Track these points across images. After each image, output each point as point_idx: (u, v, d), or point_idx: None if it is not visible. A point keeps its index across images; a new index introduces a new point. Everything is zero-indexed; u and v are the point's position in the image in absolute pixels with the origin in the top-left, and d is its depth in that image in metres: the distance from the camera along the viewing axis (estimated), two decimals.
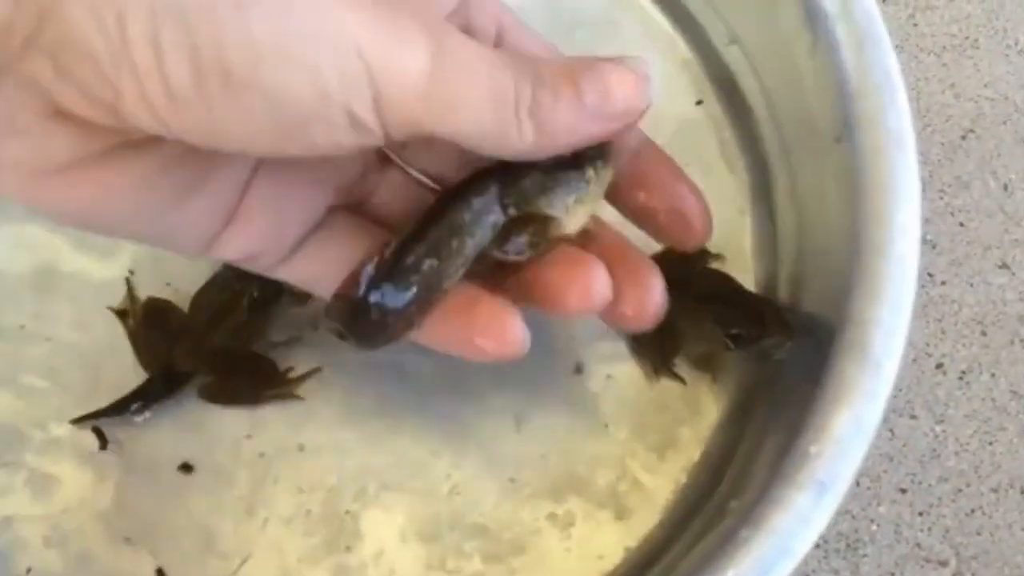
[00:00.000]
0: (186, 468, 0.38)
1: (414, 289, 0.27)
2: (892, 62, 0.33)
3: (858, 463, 0.29)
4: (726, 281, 0.38)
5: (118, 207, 0.24)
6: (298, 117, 0.22)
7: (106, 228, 0.25)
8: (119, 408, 0.37)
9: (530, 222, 0.27)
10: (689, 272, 0.39)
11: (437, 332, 0.28)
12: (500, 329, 0.28)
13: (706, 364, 0.39)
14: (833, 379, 0.30)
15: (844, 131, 0.34)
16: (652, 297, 0.29)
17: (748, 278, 0.40)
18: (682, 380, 0.38)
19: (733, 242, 0.41)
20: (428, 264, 0.27)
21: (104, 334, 0.39)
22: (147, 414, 0.38)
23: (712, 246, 0.40)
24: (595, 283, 0.27)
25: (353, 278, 0.27)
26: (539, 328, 0.39)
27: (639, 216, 0.31)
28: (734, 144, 0.42)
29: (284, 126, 0.22)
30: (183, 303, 0.39)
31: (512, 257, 0.28)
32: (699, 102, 0.42)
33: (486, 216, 0.27)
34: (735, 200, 0.41)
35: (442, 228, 0.27)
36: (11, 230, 0.40)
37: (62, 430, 0.38)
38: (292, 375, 0.39)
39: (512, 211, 0.27)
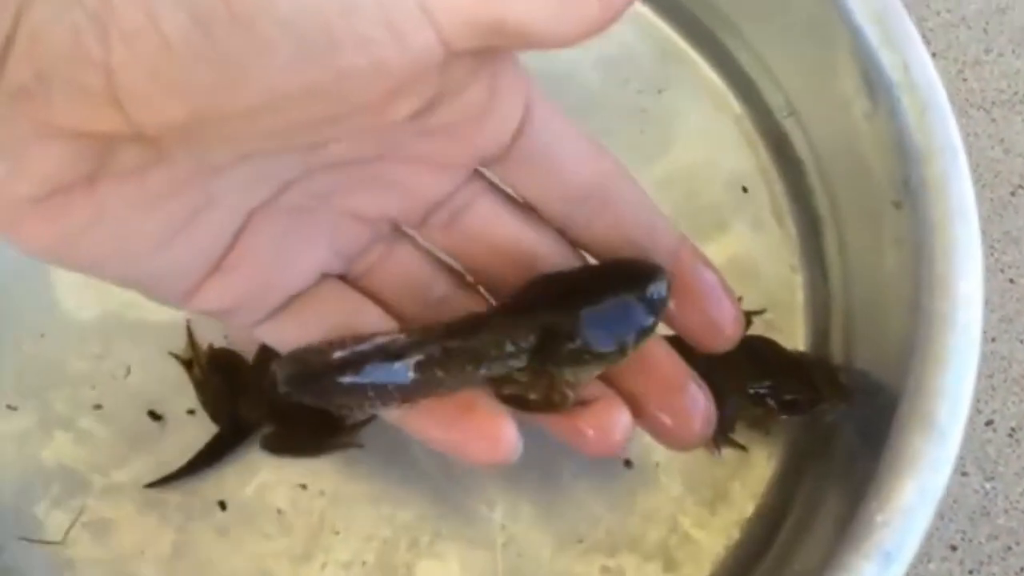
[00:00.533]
0: (244, 513, 0.38)
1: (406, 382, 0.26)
2: (954, 129, 0.34)
3: (923, 532, 0.29)
4: (772, 348, 0.39)
5: (100, 242, 0.22)
6: (324, 32, 0.19)
7: (84, 265, 0.23)
8: (192, 469, 0.38)
9: (546, 376, 0.26)
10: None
11: (428, 428, 0.28)
12: (494, 436, 0.27)
13: (759, 423, 0.39)
14: (898, 448, 0.30)
15: (905, 196, 0.34)
16: (692, 414, 0.28)
17: (798, 335, 0.41)
18: (743, 448, 0.39)
19: (783, 298, 0.41)
20: (435, 372, 0.26)
21: (165, 379, 0.40)
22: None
23: (760, 302, 0.41)
24: (615, 427, 0.27)
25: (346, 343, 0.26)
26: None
27: (670, 322, 0.29)
28: (785, 200, 0.43)
29: (310, 49, 0.19)
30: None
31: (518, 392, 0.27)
32: (744, 189, 0.43)
33: (512, 359, 0.26)
34: (785, 256, 0.42)
35: (465, 351, 0.26)
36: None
37: (122, 475, 0.39)
38: (350, 423, 0.39)
39: (537, 365, 0.26)
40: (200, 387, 0.39)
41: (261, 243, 0.25)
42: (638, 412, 0.28)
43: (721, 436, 0.39)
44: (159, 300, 0.26)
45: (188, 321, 0.40)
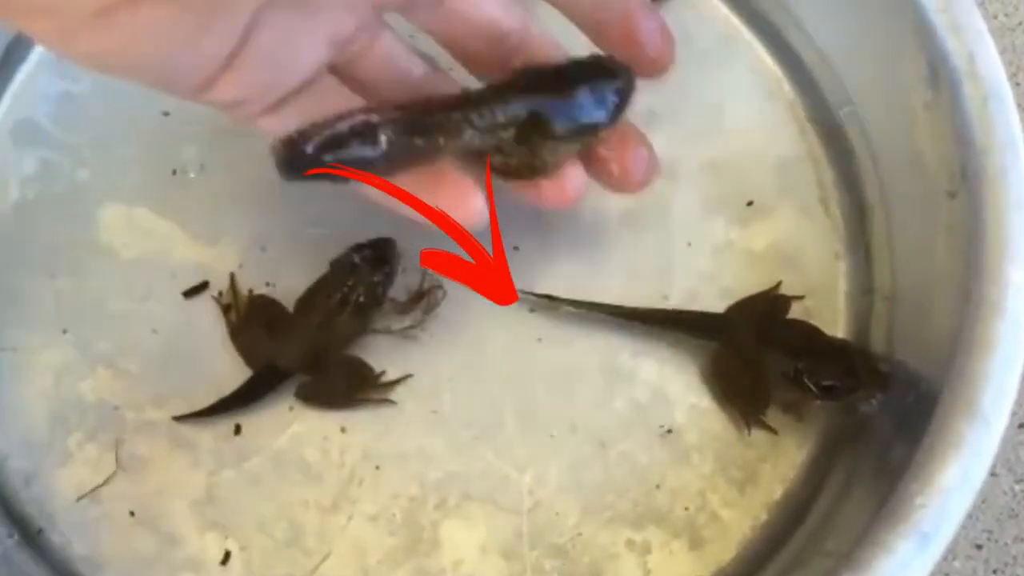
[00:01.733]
0: (276, 462, 0.38)
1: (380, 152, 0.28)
2: (1015, 121, 0.34)
3: (961, 517, 0.29)
4: (813, 332, 0.39)
5: (143, 48, 0.26)
6: None
7: (128, 69, 0.27)
8: (222, 408, 0.38)
9: (530, 147, 0.31)
10: (775, 322, 0.39)
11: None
12: (465, 201, 0.31)
13: (792, 408, 0.39)
14: (940, 433, 0.30)
15: (961, 186, 0.34)
16: (637, 160, 0.33)
17: (839, 322, 0.40)
18: (773, 431, 0.39)
19: (826, 285, 0.41)
20: (420, 140, 0.28)
21: (205, 323, 0.40)
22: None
23: (802, 289, 0.41)
24: (570, 183, 0.32)
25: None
26: (626, 355, 0.40)
27: (588, 30, 0.33)
28: (833, 188, 0.42)
29: None
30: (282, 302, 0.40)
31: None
32: (791, 174, 0.43)
33: (502, 131, 0.30)
34: (831, 244, 0.42)
35: (449, 119, 0.29)
36: (122, 212, 0.42)
37: (158, 415, 0.39)
38: (384, 380, 0.39)
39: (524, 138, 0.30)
40: (235, 333, 0.40)
41: (268, 38, 0.28)
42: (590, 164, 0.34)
43: (754, 417, 0.39)
44: (179, 94, 0.29)
45: (232, 272, 0.40)
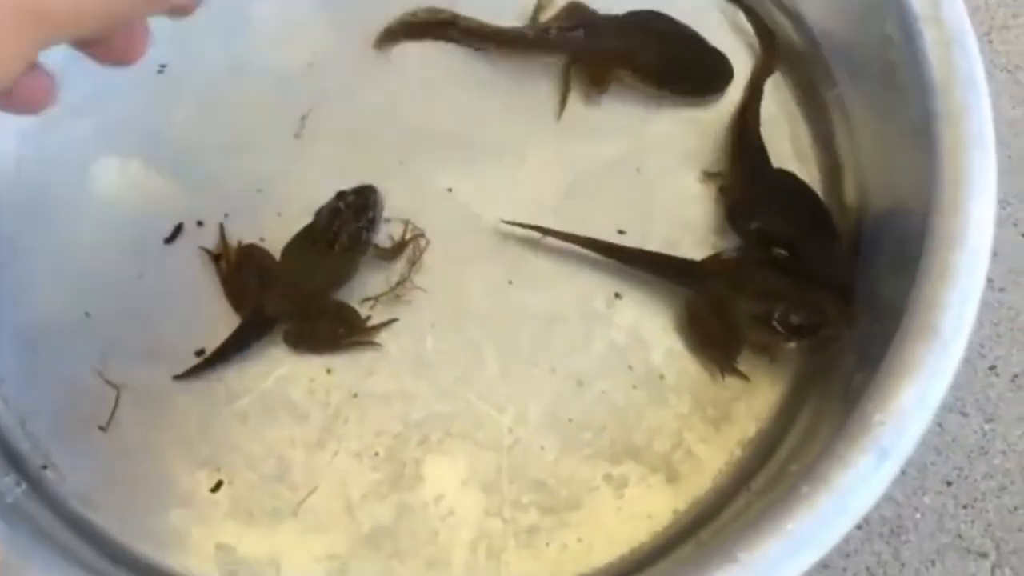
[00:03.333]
0: (263, 402, 0.40)
1: None
2: (977, 63, 0.35)
3: (918, 436, 0.30)
4: (781, 277, 0.40)
5: None
6: None
7: None
8: (217, 358, 0.39)
9: None
10: (746, 268, 0.41)
11: None
12: None
13: (765, 349, 0.40)
14: (901, 355, 0.31)
15: (924, 126, 0.35)
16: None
17: None
18: (746, 378, 0.40)
19: None
20: None
21: (192, 271, 0.41)
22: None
23: None
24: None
25: None
26: (603, 299, 0.41)
27: None
28: (808, 142, 0.43)
29: None
30: (272, 251, 0.41)
31: None
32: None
33: None
34: None
35: None
36: (117, 166, 0.43)
37: (151, 358, 0.40)
38: (370, 324, 0.40)
39: None
40: (226, 281, 0.41)
41: None
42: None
43: (727, 364, 0.40)
44: None
45: (220, 223, 0.42)
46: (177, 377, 0.39)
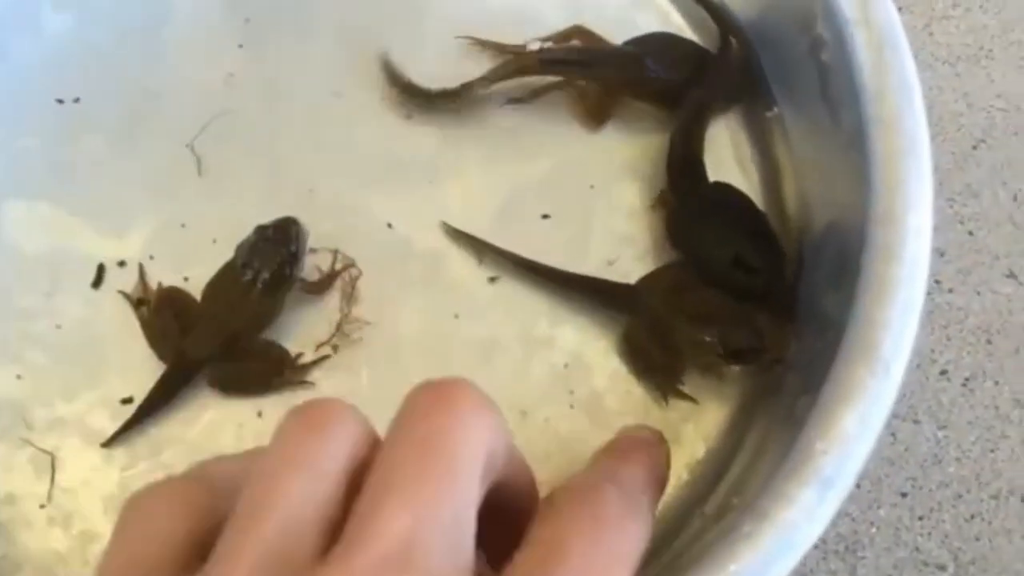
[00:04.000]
0: (191, 452, 0.38)
1: None
2: (910, 67, 0.34)
3: (863, 462, 0.29)
4: (719, 299, 0.38)
5: None
6: None
7: None
8: (147, 413, 0.37)
9: None
10: (683, 292, 0.39)
11: None
12: None
13: (711, 369, 0.39)
14: (841, 378, 0.30)
15: (859, 135, 0.34)
16: None
17: None
18: (693, 400, 0.38)
19: None
20: None
21: (112, 315, 0.39)
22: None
23: None
24: None
25: None
26: (544, 323, 0.39)
27: None
28: (747, 147, 0.42)
29: None
30: (196, 291, 0.39)
31: None
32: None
33: None
34: None
35: None
36: (25, 206, 0.41)
37: (67, 409, 0.38)
38: (301, 362, 0.39)
39: None
40: (147, 326, 0.39)
41: None
42: None
43: (670, 388, 0.38)
44: None
45: (150, 258, 0.40)
46: (105, 444, 0.37)
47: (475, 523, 0.22)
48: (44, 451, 0.37)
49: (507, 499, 0.24)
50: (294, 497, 0.22)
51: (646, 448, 0.29)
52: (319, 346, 0.39)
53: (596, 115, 0.42)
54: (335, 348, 0.39)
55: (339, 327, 0.39)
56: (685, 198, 0.40)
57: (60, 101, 0.42)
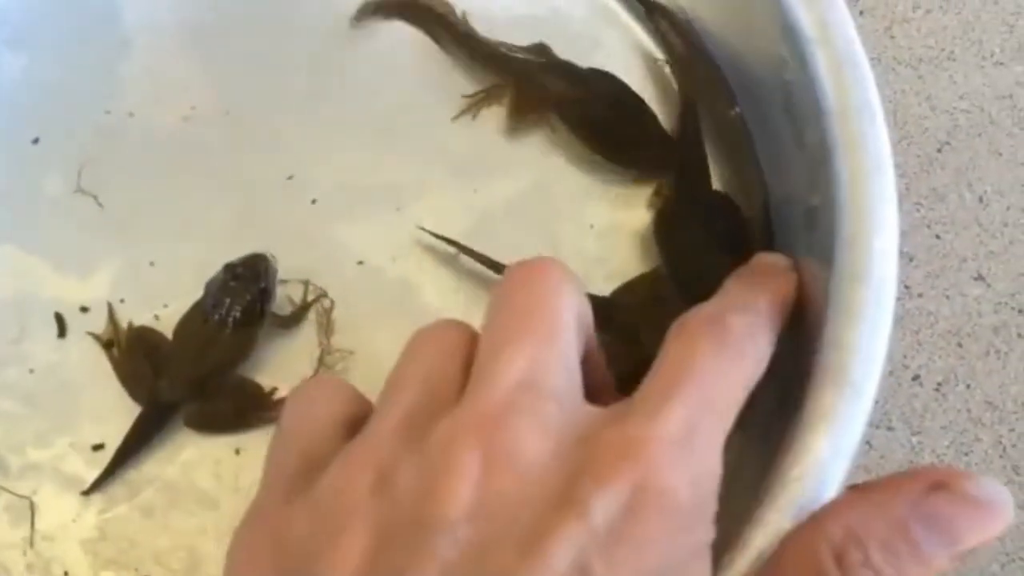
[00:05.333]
0: (168, 492, 0.38)
1: None
2: (871, 86, 0.34)
3: (838, 485, 0.30)
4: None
5: None
6: None
7: None
8: (121, 459, 0.37)
9: None
10: (659, 304, 0.39)
11: None
12: None
13: None
14: (812, 404, 0.30)
15: (822, 156, 0.34)
16: None
17: None
18: None
19: None
20: None
21: (83, 358, 0.39)
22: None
23: None
24: None
25: None
26: None
27: None
28: (714, 164, 0.42)
29: None
30: (167, 329, 0.39)
31: None
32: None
33: None
34: None
35: None
36: None
37: (40, 455, 0.38)
38: (277, 396, 0.39)
39: None
40: (119, 367, 0.39)
41: None
42: None
43: None
44: None
45: (120, 301, 0.39)
46: (86, 492, 0.37)
47: (580, 371, 0.26)
48: (22, 496, 0.37)
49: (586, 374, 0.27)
50: (433, 355, 0.27)
51: (774, 276, 0.32)
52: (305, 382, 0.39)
53: (521, 113, 0.42)
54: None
55: (321, 360, 0.39)
56: (686, 199, 0.40)
57: (22, 147, 0.41)
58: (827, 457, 0.29)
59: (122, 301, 0.40)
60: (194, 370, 0.38)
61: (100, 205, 0.41)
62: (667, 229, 0.40)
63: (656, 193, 0.41)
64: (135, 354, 0.38)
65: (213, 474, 0.38)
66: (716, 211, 0.40)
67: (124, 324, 0.39)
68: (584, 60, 0.43)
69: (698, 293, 0.38)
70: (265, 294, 0.38)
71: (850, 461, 0.30)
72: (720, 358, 0.27)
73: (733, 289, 0.31)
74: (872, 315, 0.31)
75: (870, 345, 0.31)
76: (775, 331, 0.29)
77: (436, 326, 0.29)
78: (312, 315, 0.40)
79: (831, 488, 0.29)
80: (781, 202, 0.39)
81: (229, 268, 0.38)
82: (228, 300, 0.37)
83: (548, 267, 0.28)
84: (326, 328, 0.40)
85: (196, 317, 0.38)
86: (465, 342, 0.27)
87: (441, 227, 0.41)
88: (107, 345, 0.39)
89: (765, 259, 0.33)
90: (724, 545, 0.29)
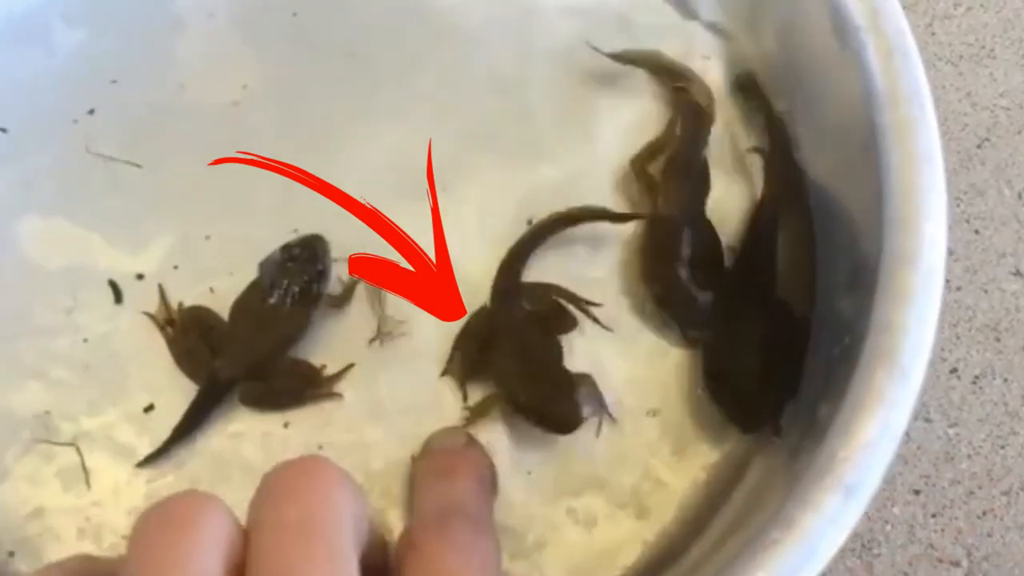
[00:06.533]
0: (216, 463, 0.38)
1: None
2: (920, 74, 0.34)
3: (885, 468, 0.30)
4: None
5: None
6: None
7: None
8: (179, 435, 0.38)
9: None
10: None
11: None
12: None
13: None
14: (861, 386, 0.31)
15: (872, 140, 0.34)
16: None
17: None
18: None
19: None
20: None
21: (134, 329, 0.39)
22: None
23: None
24: None
25: None
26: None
27: None
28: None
29: None
30: (219, 303, 0.39)
31: None
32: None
33: None
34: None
35: None
36: (40, 224, 0.41)
37: (93, 423, 0.38)
38: (326, 373, 0.39)
39: None
40: (175, 346, 0.39)
41: None
42: None
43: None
44: None
45: (159, 284, 0.40)
46: (140, 464, 0.38)
47: None
48: (80, 458, 0.38)
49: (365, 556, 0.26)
50: (197, 554, 0.22)
51: (464, 459, 0.34)
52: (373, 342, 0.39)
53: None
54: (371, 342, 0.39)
55: (379, 329, 0.40)
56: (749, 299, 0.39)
57: (75, 120, 0.42)
58: (875, 439, 0.30)
59: (176, 267, 0.40)
60: (252, 350, 0.38)
61: (148, 176, 0.42)
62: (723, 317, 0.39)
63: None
64: (190, 334, 0.39)
65: (260, 447, 0.38)
66: (775, 315, 0.38)
67: (177, 296, 0.40)
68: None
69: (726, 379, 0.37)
70: (322, 275, 0.38)
71: (897, 443, 0.30)
72: (463, 566, 0.29)
73: (436, 488, 0.33)
74: (921, 300, 0.31)
75: (919, 330, 0.31)
76: (491, 509, 0.34)
77: (190, 507, 0.24)
78: (360, 291, 0.40)
79: (878, 470, 0.30)
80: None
81: (286, 249, 0.38)
82: (286, 281, 0.38)
83: (318, 471, 0.25)
84: (379, 300, 0.40)
85: (254, 297, 0.38)
86: (224, 544, 0.24)
87: (486, 209, 0.42)
88: (162, 325, 0.39)
89: (446, 441, 0.36)
90: (772, 523, 0.29)
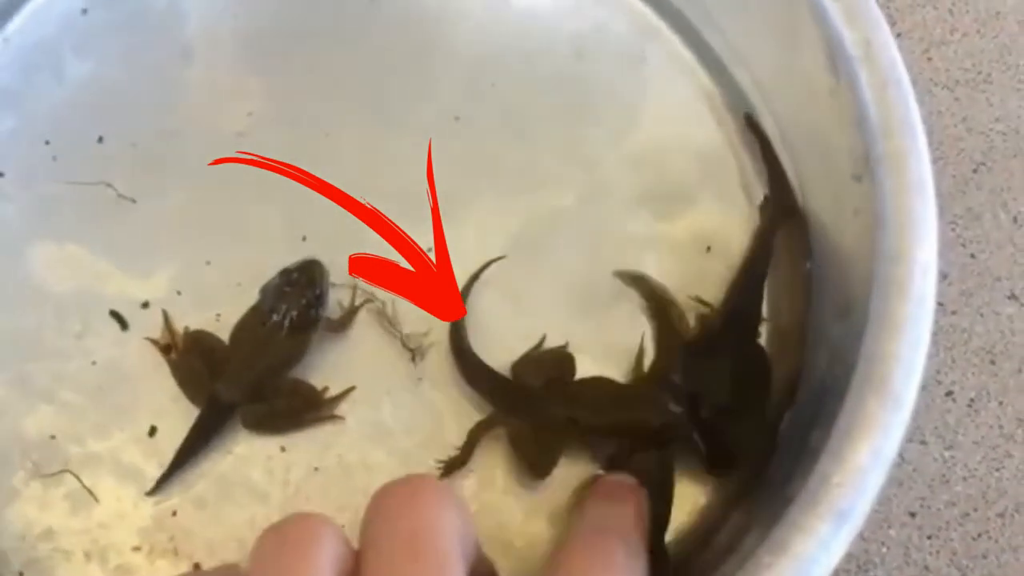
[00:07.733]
0: (221, 485, 0.39)
1: None
2: (913, 106, 0.35)
3: (876, 493, 0.30)
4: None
5: None
6: None
7: None
8: (184, 459, 0.38)
9: None
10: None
11: None
12: None
13: None
14: (853, 411, 0.31)
15: (864, 170, 0.35)
16: None
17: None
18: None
19: None
20: None
21: (142, 353, 0.40)
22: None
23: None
24: None
25: None
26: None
27: None
28: (753, 175, 0.43)
29: None
30: (226, 328, 0.40)
31: None
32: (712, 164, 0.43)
33: None
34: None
35: None
36: (51, 248, 0.42)
37: (100, 446, 0.39)
38: (328, 396, 0.40)
39: None
40: (177, 370, 0.40)
41: None
42: None
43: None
44: None
45: (164, 310, 0.41)
46: (150, 492, 0.38)
47: None
48: (80, 482, 0.39)
49: None
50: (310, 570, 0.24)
51: (629, 491, 0.34)
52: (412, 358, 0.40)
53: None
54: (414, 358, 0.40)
55: (405, 346, 0.40)
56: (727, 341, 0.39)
57: (84, 148, 0.43)
58: (867, 465, 0.30)
59: (179, 293, 0.41)
60: (251, 373, 0.39)
61: (156, 203, 0.42)
62: (695, 359, 0.39)
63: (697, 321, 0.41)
64: (192, 357, 0.40)
65: (264, 469, 0.39)
66: (749, 365, 0.39)
67: (183, 322, 0.41)
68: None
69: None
70: (319, 299, 0.39)
71: (888, 468, 0.31)
72: None
73: (596, 510, 0.34)
74: (913, 328, 0.32)
75: (911, 357, 0.32)
76: (645, 540, 0.33)
77: (305, 528, 0.26)
78: (368, 316, 0.41)
79: (870, 495, 0.30)
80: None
81: (285, 273, 0.39)
82: (284, 305, 0.38)
83: (428, 489, 0.27)
84: (392, 322, 0.41)
85: (253, 321, 0.39)
86: (336, 565, 0.25)
87: (486, 235, 0.42)
88: (165, 349, 0.40)
89: (615, 478, 0.36)
90: (764, 547, 0.30)
